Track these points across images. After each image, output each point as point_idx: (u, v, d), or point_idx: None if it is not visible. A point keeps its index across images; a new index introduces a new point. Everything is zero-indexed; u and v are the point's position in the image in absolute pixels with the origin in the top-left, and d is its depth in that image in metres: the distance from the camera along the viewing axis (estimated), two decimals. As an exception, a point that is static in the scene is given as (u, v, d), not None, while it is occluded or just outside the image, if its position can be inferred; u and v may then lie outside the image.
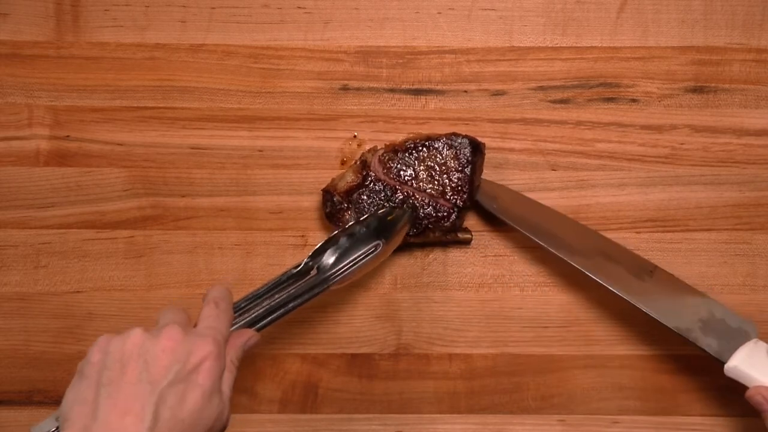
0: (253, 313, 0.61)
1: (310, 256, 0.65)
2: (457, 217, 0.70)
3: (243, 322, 0.61)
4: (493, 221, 0.73)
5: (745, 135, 0.73)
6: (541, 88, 0.74)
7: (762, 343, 0.64)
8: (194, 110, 0.74)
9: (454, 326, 0.72)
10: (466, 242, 0.73)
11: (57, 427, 0.52)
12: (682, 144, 0.73)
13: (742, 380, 0.63)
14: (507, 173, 0.73)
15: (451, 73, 0.74)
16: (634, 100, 0.74)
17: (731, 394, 0.72)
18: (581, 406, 0.72)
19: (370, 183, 0.71)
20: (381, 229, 0.67)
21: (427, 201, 0.70)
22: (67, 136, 0.73)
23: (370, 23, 0.74)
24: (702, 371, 0.72)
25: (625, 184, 0.73)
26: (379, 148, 0.71)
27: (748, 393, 0.62)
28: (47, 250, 0.72)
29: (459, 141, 0.69)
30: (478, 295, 0.73)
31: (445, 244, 0.73)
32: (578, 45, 0.74)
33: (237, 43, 0.74)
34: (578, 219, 0.73)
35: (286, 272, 0.64)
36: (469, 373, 0.72)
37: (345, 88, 0.74)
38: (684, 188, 0.73)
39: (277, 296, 0.62)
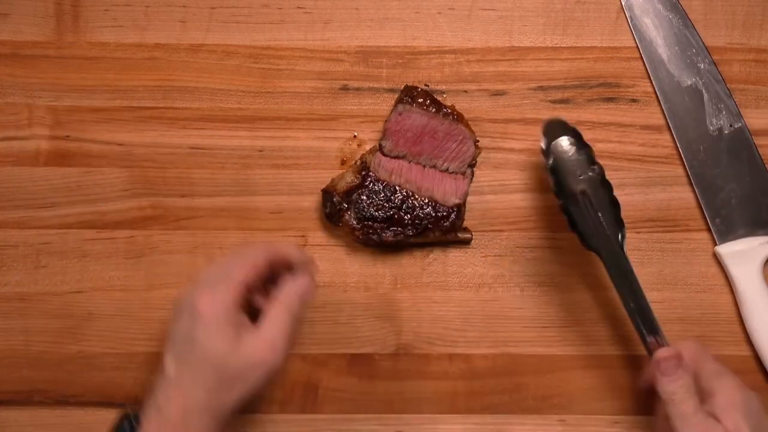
0: None
1: None
2: (456, 217, 0.70)
3: None
4: (493, 221, 0.73)
5: (745, 135, 0.73)
6: (541, 88, 0.74)
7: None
8: (194, 110, 0.73)
9: (454, 326, 0.72)
10: (466, 242, 0.72)
11: None
12: (682, 144, 0.73)
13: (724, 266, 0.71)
14: (507, 173, 0.73)
15: (451, 73, 0.74)
16: (634, 100, 0.73)
17: (731, 394, 0.72)
18: (581, 406, 0.72)
19: (369, 183, 0.71)
20: None
21: (426, 201, 0.71)
22: (67, 136, 0.73)
23: (370, 23, 0.74)
24: (702, 371, 0.72)
25: (625, 184, 0.73)
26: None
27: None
28: (47, 250, 0.72)
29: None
30: (478, 295, 0.73)
31: (445, 244, 0.73)
32: (578, 45, 0.74)
33: (237, 43, 0.74)
34: (578, 219, 0.73)
35: None
36: (469, 373, 0.72)
37: (345, 88, 0.74)
38: (684, 188, 0.73)
39: None
